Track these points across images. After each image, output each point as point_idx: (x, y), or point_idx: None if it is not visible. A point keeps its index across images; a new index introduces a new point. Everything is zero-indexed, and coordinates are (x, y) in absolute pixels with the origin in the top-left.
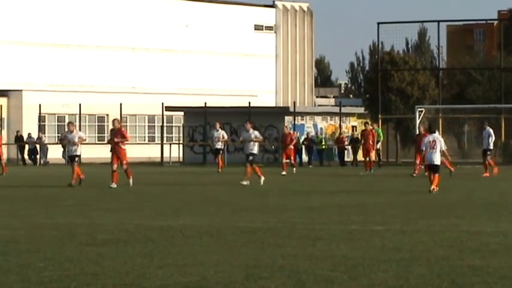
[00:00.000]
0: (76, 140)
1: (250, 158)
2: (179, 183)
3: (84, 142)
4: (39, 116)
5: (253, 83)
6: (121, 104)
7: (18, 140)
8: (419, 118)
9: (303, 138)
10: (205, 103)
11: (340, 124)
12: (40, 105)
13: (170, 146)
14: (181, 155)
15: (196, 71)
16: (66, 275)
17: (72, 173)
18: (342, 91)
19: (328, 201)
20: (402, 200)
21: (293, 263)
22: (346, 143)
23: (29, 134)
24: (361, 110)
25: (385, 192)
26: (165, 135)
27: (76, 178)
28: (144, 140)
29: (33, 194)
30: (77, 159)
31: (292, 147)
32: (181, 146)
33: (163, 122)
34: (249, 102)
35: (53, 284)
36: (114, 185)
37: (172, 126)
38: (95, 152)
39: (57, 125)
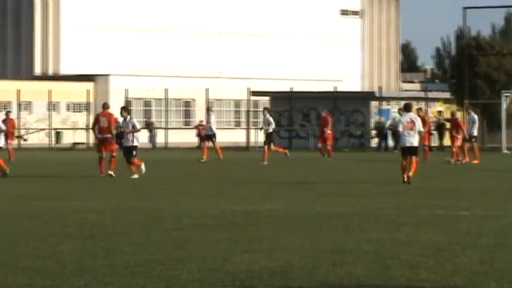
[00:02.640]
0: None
1: (134, 153)
2: (264, 168)
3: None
4: (126, 101)
5: (338, 68)
6: (207, 89)
7: None
8: (505, 103)
9: (388, 123)
10: (291, 88)
11: (426, 109)
12: (127, 89)
13: (256, 130)
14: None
15: (282, 56)
16: (152, 259)
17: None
18: (428, 76)
19: (413, 186)
20: (486, 185)
21: (378, 248)
22: (432, 128)
23: (115, 118)
24: (447, 95)
25: (469, 177)
26: (251, 120)
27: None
28: (230, 125)
29: (119, 178)
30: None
31: (330, 132)
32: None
33: (249, 107)
34: (335, 87)
35: (139, 268)
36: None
37: (258, 111)
38: (181, 136)
39: (144, 110)
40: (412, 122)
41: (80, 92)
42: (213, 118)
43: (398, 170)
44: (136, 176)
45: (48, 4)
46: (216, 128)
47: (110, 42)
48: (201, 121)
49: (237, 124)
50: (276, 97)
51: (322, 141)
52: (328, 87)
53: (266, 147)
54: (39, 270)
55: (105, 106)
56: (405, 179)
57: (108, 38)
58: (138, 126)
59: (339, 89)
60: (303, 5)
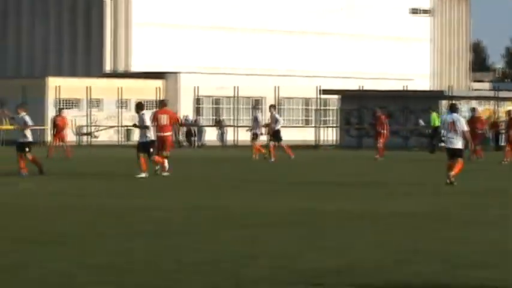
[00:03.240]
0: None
1: (27, 149)
2: (333, 166)
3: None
4: (196, 99)
5: (408, 66)
6: (277, 87)
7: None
8: None
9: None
10: (361, 86)
11: (496, 109)
12: (196, 87)
13: (325, 129)
14: (336, 138)
15: (352, 54)
16: (220, 257)
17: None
18: (498, 75)
19: (484, 186)
20: None
21: (447, 248)
22: (502, 127)
23: (186, 116)
24: None
25: None
26: (320, 118)
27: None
28: (299, 123)
29: (188, 175)
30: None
31: (385, 132)
32: (336, 129)
33: (318, 105)
34: (404, 86)
35: (207, 265)
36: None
37: (327, 109)
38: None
39: (214, 108)
40: (453, 122)
41: (150, 89)
42: (260, 116)
43: (466, 168)
44: (144, 175)
45: (118, 2)
46: (285, 127)
47: (180, 40)
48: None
49: (306, 123)
50: (346, 96)
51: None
52: (397, 86)
53: (272, 144)
54: (108, 267)
55: (163, 103)
56: (448, 181)
57: (179, 35)
58: (148, 122)
59: (408, 88)
60: (373, 3)
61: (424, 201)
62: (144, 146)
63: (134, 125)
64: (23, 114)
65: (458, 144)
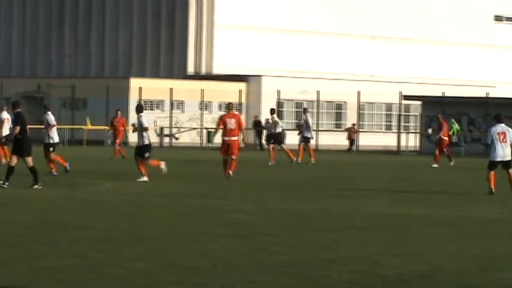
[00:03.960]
0: None
1: (51, 149)
2: (414, 172)
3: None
4: (278, 102)
5: (491, 73)
6: (359, 92)
7: (256, 125)
8: None
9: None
10: (443, 93)
11: None
12: (278, 91)
13: (407, 134)
14: (418, 144)
15: (435, 60)
16: (301, 260)
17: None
18: None
19: None
20: None
21: None
22: None
23: (267, 119)
24: None
25: None
26: (402, 124)
27: None
28: (381, 129)
29: (270, 178)
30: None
31: (446, 138)
32: (418, 135)
33: (400, 111)
34: (486, 93)
35: (288, 268)
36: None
37: (409, 115)
38: (332, 139)
39: (295, 111)
40: (503, 133)
41: (232, 92)
42: (310, 120)
43: None
44: (145, 178)
45: (202, 5)
46: (367, 131)
47: (263, 43)
48: (353, 124)
49: (388, 128)
50: (428, 101)
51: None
52: (480, 93)
53: (271, 147)
54: (189, 268)
55: (230, 107)
56: (493, 190)
57: (262, 38)
58: (146, 124)
59: (492, 95)
60: (456, 9)
61: (506, 208)
62: (139, 150)
63: (133, 127)
64: (48, 114)
65: (508, 155)
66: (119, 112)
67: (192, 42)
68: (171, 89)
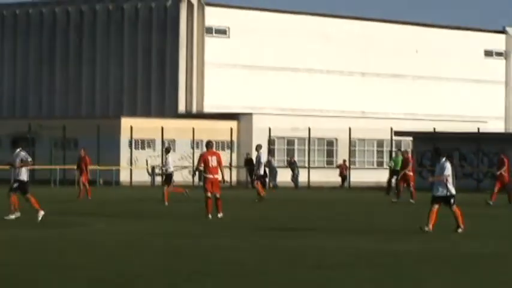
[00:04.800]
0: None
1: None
2: (406, 208)
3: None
4: (269, 139)
5: (482, 108)
6: (350, 128)
7: (248, 163)
8: None
9: None
10: (434, 128)
11: None
12: (270, 128)
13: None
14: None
15: (426, 95)
16: None
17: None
18: None
19: None
20: None
21: None
22: None
23: (269, 157)
24: None
25: None
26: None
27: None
28: (373, 165)
29: (262, 216)
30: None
31: (410, 173)
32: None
33: (392, 147)
34: (478, 128)
35: None
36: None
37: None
38: (324, 175)
39: (287, 149)
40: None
41: (223, 130)
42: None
43: None
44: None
45: (193, 43)
46: (358, 168)
47: (253, 81)
48: (344, 160)
49: (380, 164)
50: (419, 137)
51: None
52: (471, 128)
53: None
54: None
55: (210, 145)
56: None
57: (252, 76)
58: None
59: (483, 130)
60: (446, 45)
61: (501, 243)
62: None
63: (9, 164)
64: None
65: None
66: (82, 150)
67: (183, 81)
68: (162, 128)
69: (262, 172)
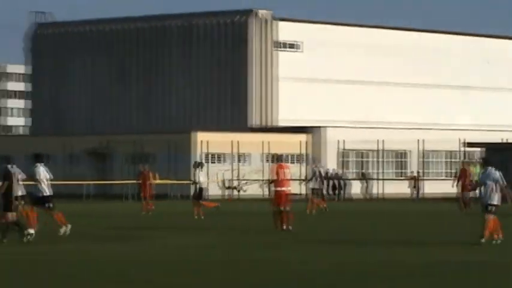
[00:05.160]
0: None
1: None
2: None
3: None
4: (340, 152)
5: None
6: (421, 140)
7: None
8: None
9: None
10: (506, 139)
11: None
12: (340, 141)
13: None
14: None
15: (495, 106)
16: None
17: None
18: None
19: None
20: None
21: None
22: None
23: (329, 169)
24: None
25: None
26: None
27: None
28: (444, 176)
29: (334, 228)
30: None
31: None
32: None
33: (463, 158)
34: None
35: None
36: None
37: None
38: (396, 187)
39: (358, 161)
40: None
41: (295, 143)
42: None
43: None
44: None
45: (266, 58)
46: (430, 179)
47: (324, 95)
48: (412, 171)
49: (450, 175)
50: (490, 148)
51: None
52: None
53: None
54: None
55: (281, 158)
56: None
57: (324, 90)
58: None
59: None
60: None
61: None
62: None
63: (32, 179)
64: (37, 165)
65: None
66: (145, 166)
67: (256, 95)
68: (236, 142)
69: (316, 185)
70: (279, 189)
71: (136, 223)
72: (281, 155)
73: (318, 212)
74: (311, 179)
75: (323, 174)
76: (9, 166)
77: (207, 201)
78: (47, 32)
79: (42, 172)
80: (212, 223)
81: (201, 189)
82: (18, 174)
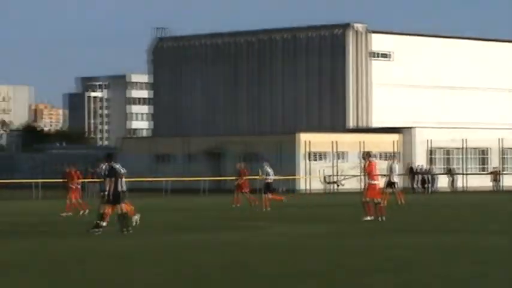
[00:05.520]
0: None
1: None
2: None
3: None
4: (429, 150)
5: None
6: (501, 139)
7: (410, 171)
8: None
9: None
10: None
11: None
12: (428, 140)
13: None
14: None
15: None
16: None
17: None
18: None
19: None
20: None
21: None
22: None
23: (420, 165)
24: None
25: None
26: None
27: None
28: None
29: (424, 218)
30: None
31: None
32: None
33: None
34: None
35: None
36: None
37: None
38: (479, 181)
39: (444, 158)
40: None
41: (388, 142)
42: (397, 168)
43: None
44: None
45: (362, 66)
46: (510, 173)
47: (414, 99)
48: (495, 167)
49: None
50: None
51: None
52: None
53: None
54: None
55: (370, 154)
56: None
57: (413, 94)
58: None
59: None
60: None
61: None
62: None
63: (105, 175)
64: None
65: None
66: (242, 165)
67: (353, 100)
68: (335, 142)
69: (393, 179)
70: (372, 182)
71: (245, 214)
72: (370, 152)
73: (396, 204)
74: (391, 174)
75: (415, 170)
76: (113, 163)
77: (274, 195)
78: (167, 45)
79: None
80: (315, 214)
81: (268, 183)
82: (121, 170)
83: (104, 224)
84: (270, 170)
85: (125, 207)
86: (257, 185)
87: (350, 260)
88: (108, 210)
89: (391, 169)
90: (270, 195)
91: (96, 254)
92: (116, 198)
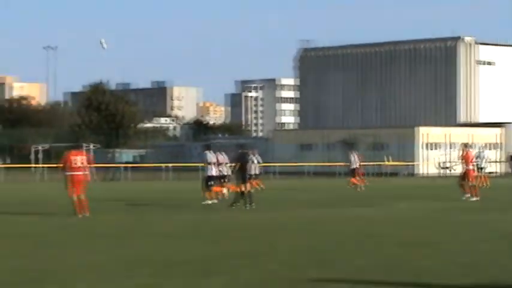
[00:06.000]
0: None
1: (210, 182)
2: None
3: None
4: None
5: None
6: None
7: (510, 158)
8: None
9: None
10: None
11: None
12: None
13: None
14: None
15: None
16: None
17: None
18: None
19: None
20: None
21: None
22: None
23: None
24: None
25: None
26: None
27: None
28: None
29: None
30: None
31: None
32: None
33: None
34: None
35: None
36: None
37: None
38: None
39: None
40: None
41: (492, 135)
42: (485, 155)
43: None
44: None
45: (470, 72)
46: None
47: None
48: None
49: None
50: None
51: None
52: None
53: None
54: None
55: (466, 145)
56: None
57: None
58: (210, 160)
59: None
60: None
61: None
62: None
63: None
64: (206, 152)
65: None
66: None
67: (463, 99)
68: (448, 134)
69: (481, 165)
70: (468, 168)
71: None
72: (467, 144)
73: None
74: (480, 161)
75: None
76: (207, 152)
77: (356, 179)
78: (310, 54)
79: (208, 157)
80: (431, 194)
81: (353, 169)
82: (219, 156)
83: (215, 201)
84: (354, 158)
85: (248, 186)
86: (382, 170)
87: (465, 230)
88: (218, 188)
89: (479, 156)
90: (354, 180)
91: (248, 225)
92: (244, 178)
